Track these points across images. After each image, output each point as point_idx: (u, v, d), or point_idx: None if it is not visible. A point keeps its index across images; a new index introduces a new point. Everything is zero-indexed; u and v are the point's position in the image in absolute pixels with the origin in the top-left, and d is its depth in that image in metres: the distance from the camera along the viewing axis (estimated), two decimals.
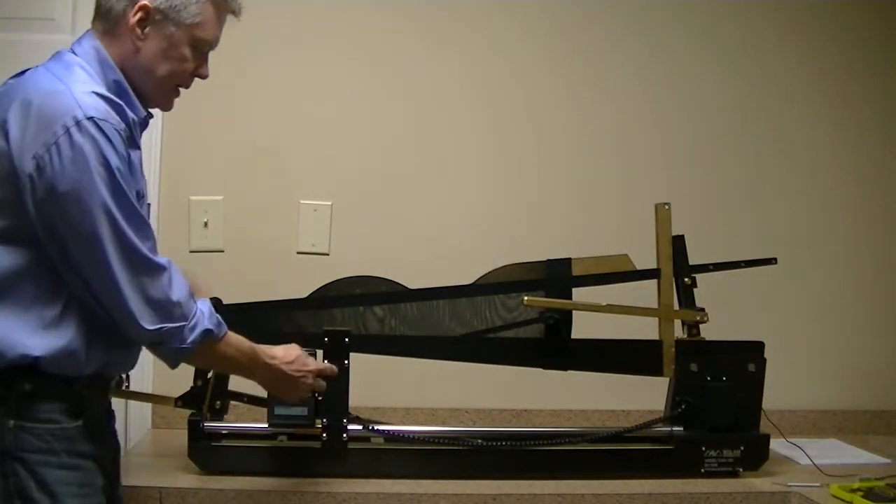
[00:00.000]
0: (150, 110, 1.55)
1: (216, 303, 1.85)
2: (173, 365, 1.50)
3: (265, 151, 2.30)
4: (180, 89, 1.55)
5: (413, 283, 1.96)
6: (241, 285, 2.03)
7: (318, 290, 1.93)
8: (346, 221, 2.32)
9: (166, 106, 1.56)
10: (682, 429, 1.93)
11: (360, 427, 1.86)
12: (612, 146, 2.42)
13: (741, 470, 1.92)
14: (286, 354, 1.65)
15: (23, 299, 1.38)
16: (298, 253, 2.31)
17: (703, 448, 1.90)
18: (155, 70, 1.47)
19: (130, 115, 1.45)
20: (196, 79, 1.55)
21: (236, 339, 1.55)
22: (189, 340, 1.45)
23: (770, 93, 2.47)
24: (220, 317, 1.51)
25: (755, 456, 1.93)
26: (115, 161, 1.35)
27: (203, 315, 1.47)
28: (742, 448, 1.91)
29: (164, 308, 1.41)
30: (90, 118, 1.34)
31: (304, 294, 1.92)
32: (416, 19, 2.36)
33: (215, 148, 2.28)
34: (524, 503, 1.79)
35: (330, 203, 2.32)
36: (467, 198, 2.38)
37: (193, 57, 1.50)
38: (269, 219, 2.31)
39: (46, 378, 1.39)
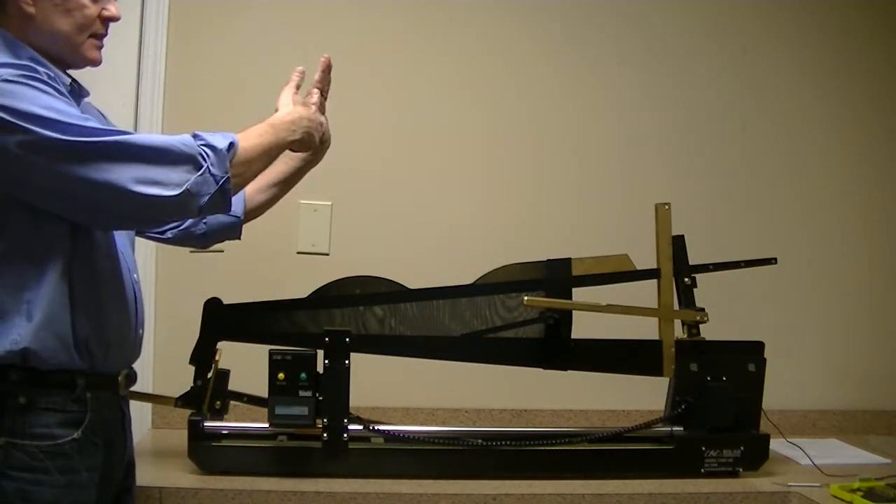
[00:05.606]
0: (85, 94, 1.51)
1: (216, 302, 1.86)
2: (229, 206, 1.44)
3: None
4: (101, 38, 1.47)
5: (413, 283, 1.96)
6: (241, 285, 2.03)
7: (318, 290, 1.93)
8: (346, 221, 2.32)
9: (92, 59, 1.47)
10: (682, 429, 1.93)
11: (360, 427, 1.86)
12: (612, 146, 2.42)
13: (741, 470, 1.92)
14: (286, 104, 1.64)
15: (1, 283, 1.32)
16: (298, 253, 2.31)
17: (703, 448, 1.90)
18: (58, 28, 1.41)
19: (63, 77, 1.41)
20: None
21: (248, 133, 1.52)
22: (224, 170, 1.40)
23: (770, 93, 2.47)
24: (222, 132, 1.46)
25: (755, 456, 1.93)
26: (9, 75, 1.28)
27: (212, 139, 1.41)
28: (742, 448, 1.91)
29: (170, 167, 1.34)
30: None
31: (304, 294, 1.92)
32: (416, 19, 2.36)
33: None
34: (524, 503, 1.79)
35: (330, 203, 2.32)
36: (467, 198, 2.38)
37: (91, 1, 1.43)
38: (269, 219, 2.29)
39: (43, 387, 1.34)
